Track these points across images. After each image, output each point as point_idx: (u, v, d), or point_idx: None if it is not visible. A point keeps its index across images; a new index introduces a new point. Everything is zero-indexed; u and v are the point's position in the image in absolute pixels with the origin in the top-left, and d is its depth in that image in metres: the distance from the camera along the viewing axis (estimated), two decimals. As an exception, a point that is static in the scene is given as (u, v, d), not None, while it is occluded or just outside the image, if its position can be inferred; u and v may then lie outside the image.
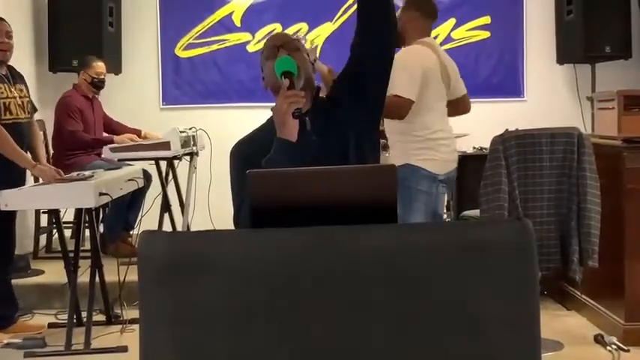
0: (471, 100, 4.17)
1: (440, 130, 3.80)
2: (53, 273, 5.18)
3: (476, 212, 4.31)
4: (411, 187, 3.74)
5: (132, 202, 5.55)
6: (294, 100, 2.22)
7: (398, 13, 3.87)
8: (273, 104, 2.51)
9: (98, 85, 5.73)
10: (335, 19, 6.66)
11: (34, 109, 4.77)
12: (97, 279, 4.46)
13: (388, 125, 3.95)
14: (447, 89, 3.90)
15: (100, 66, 5.73)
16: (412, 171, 3.75)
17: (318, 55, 4.08)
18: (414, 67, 3.68)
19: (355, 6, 2.49)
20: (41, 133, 5.77)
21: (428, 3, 3.96)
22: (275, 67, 2.34)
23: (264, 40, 2.57)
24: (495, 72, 6.76)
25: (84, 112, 5.66)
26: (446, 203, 5.49)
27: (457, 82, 4.02)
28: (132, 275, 4.39)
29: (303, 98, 2.24)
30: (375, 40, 2.41)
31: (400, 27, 3.78)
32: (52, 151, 5.81)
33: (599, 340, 4.05)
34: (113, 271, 4.58)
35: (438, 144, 3.76)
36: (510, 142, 3.69)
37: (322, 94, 2.54)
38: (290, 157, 2.20)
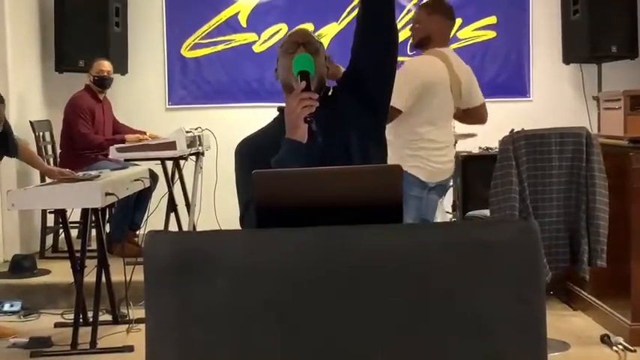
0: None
1: (436, 141, 3.66)
2: (60, 273, 5.19)
3: (482, 212, 4.30)
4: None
5: (138, 202, 5.57)
6: (309, 104, 2.20)
7: (420, 16, 3.84)
8: (279, 104, 2.51)
9: (100, 82, 5.72)
10: (340, 19, 6.66)
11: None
12: (104, 279, 4.47)
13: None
14: (458, 98, 3.77)
15: (100, 64, 5.73)
16: (403, 176, 3.70)
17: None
18: (412, 79, 3.56)
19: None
20: (41, 133, 5.78)
21: (450, 7, 3.88)
22: (293, 63, 2.33)
23: (284, 36, 2.55)
24: (501, 72, 6.75)
25: (94, 112, 5.68)
26: (452, 203, 5.49)
27: (471, 91, 3.88)
28: (138, 275, 4.39)
29: (317, 102, 2.22)
30: (378, 41, 2.40)
31: (428, 32, 3.75)
32: (59, 150, 5.83)
33: (605, 340, 4.05)
34: (119, 271, 4.59)
35: (432, 154, 3.64)
36: (520, 142, 3.66)
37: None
38: (299, 158, 2.20)
